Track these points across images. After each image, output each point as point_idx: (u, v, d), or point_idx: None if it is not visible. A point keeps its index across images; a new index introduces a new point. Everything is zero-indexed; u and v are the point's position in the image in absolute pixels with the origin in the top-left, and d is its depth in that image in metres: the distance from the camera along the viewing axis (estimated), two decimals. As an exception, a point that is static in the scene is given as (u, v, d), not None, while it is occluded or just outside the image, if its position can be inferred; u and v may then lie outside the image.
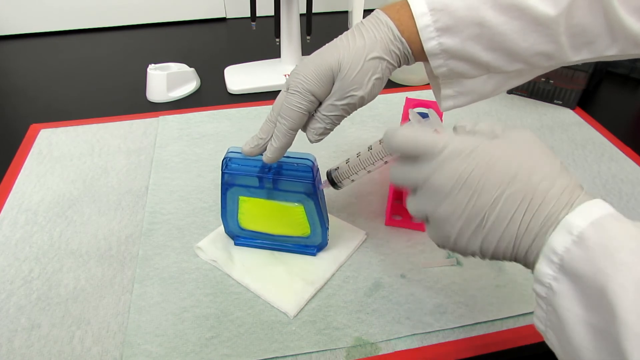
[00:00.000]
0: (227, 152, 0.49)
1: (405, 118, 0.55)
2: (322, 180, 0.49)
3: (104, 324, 0.48)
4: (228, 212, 0.53)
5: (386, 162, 0.44)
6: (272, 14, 0.83)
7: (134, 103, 0.84)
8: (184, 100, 0.85)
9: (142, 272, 0.53)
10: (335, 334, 0.47)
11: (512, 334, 0.48)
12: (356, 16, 0.89)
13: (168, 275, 0.52)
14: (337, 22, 1.17)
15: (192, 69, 0.88)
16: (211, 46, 1.05)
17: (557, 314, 0.29)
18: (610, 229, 0.28)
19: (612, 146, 0.73)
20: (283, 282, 0.51)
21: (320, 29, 0.92)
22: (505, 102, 0.84)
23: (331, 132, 0.45)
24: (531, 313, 0.48)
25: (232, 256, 0.54)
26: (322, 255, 0.54)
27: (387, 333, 0.47)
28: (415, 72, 0.86)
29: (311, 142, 0.46)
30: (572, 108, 0.82)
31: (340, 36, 0.43)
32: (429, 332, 0.47)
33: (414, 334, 0.47)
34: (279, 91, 0.45)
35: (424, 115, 0.42)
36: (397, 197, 0.57)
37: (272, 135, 0.44)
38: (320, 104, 0.43)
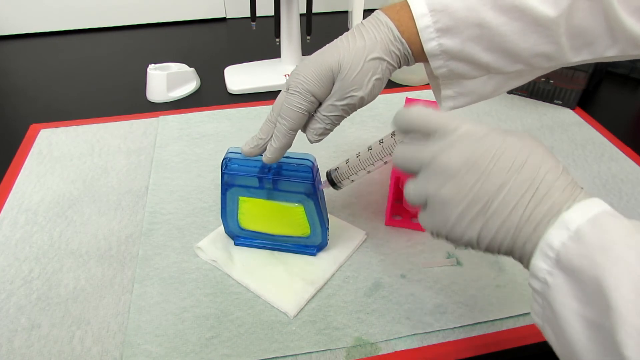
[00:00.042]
0: (227, 153, 0.49)
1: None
2: (322, 180, 0.49)
3: (104, 324, 0.48)
4: (228, 212, 0.53)
5: (386, 163, 0.45)
6: (272, 14, 0.83)
7: (134, 103, 0.84)
8: (184, 100, 0.85)
9: (142, 272, 0.53)
10: (335, 334, 0.47)
11: (512, 334, 0.48)
12: (356, 16, 0.89)
13: (168, 275, 0.52)
14: (337, 22, 1.17)
15: (192, 69, 0.88)
16: (211, 46, 1.05)
17: (552, 308, 0.29)
18: (607, 225, 0.28)
19: (612, 146, 0.73)
20: (283, 282, 0.51)
21: (320, 29, 0.92)
22: (505, 102, 0.84)
23: (331, 132, 0.45)
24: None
25: (232, 256, 0.54)
26: (322, 255, 0.54)
27: (387, 333, 0.47)
28: (415, 72, 0.86)
29: (311, 142, 0.46)
30: (572, 108, 0.82)
31: (340, 37, 0.43)
32: (429, 332, 0.47)
33: (414, 334, 0.47)
34: (279, 91, 0.45)
35: None
36: (397, 197, 0.57)
37: (271, 136, 0.44)
38: (320, 104, 0.43)
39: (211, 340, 0.46)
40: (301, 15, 0.85)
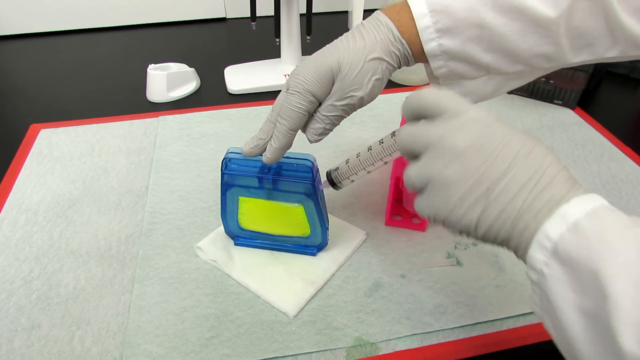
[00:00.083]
0: (227, 153, 0.49)
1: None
2: (322, 180, 0.49)
3: (104, 324, 0.48)
4: (228, 213, 0.53)
5: (386, 163, 0.44)
6: (272, 14, 0.83)
7: (134, 103, 0.84)
8: (184, 100, 0.85)
9: (142, 272, 0.53)
10: (335, 334, 0.47)
11: (512, 334, 0.48)
12: (356, 16, 0.89)
13: (168, 275, 0.52)
14: (337, 22, 1.17)
15: (192, 69, 0.88)
16: (211, 46, 1.05)
17: (548, 298, 0.29)
18: (605, 219, 0.29)
19: (612, 146, 0.73)
20: (283, 282, 0.51)
21: (320, 29, 0.92)
22: (505, 102, 0.84)
23: (331, 132, 0.45)
24: (531, 313, 0.49)
25: (232, 256, 0.54)
26: (322, 255, 0.54)
27: (387, 333, 0.47)
28: (415, 72, 0.86)
29: (311, 142, 0.46)
30: (572, 108, 0.82)
31: (340, 37, 0.43)
32: (429, 332, 0.47)
33: (414, 334, 0.47)
34: (279, 91, 0.45)
35: None
36: (397, 197, 0.57)
37: (271, 136, 0.44)
38: (320, 104, 0.43)
39: (211, 340, 0.46)
40: (301, 15, 0.85)
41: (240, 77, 0.89)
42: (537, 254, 0.30)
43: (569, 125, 0.78)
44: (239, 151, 0.47)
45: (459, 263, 0.54)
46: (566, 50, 0.42)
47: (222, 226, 0.55)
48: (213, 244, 0.55)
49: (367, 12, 0.50)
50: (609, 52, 0.42)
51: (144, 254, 0.55)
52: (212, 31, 1.13)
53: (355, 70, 0.41)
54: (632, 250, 0.26)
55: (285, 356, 0.45)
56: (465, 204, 0.32)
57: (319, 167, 0.49)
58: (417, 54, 0.43)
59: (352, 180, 0.47)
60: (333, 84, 0.42)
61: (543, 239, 0.29)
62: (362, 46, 0.41)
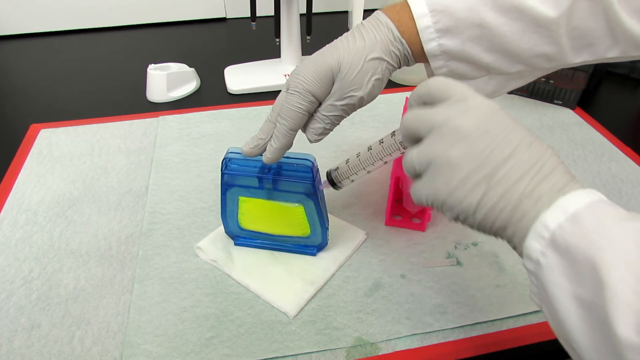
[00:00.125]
0: (227, 153, 0.49)
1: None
2: (322, 180, 0.49)
3: (104, 324, 0.48)
4: (228, 212, 0.53)
5: (386, 163, 0.45)
6: (272, 14, 0.83)
7: (134, 103, 0.84)
8: (184, 100, 0.85)
9: (142, 272, 0.53)
10: (335, 334, 0.47)
11: (512, 334, 0.48)
12: (356, 16, 0.89)
13: (168, 275, 0.52)
14: (337, 22, 1.17)
15: (192, 69, 0.88)
16: (211, 46, 1.05)
17: (545, 288, 0.29)
18: (604, 211, 0.29)
19: (612, 146, 0.73)
20: (283, 282, 0.51)
21: (320, 29, 0.92)
22: (505, 102, 0.84)
23: (331, 132, 0.45)
24: (531, 313, 0.49)
25: (232, 256, 0.54)
26: (322, 255, 0.54)
27: (387, 333, 0.47)
28: (415, 72, 0.86)
29: (311, 142, 0.46)
30: (572, 108, 0.82)
31: (340, 37, 0.43)
32: (429, 332, 0.47)
33: (414, 334, 0.47)
34: (279, 91, 0.45)
35: None
36: (397, 197, 0.57)
37: (271, 136, 0.44)
38: (320, 104, 0.43)
39: (211, 340, 0.46)
40: (301, 15, 0.85)
41: (240, 77, 0.89)
42: (534, 244, 0.30)
43: (569, 125, 0.78)
44: (239, 151, 0.47)
45: (459, 263, 0.54)
46: (567, 51, 0.42)
47: (222, 226, 0.55)
48: (213, 244, 0.55)
49: (367, 12, 0.50)
50: (610, 52, 0.42)
51: (144, 254, 0.55)
52: (212, 31, 1.13)
53: (355, 70, 0.41)
54: (630, 242, 0.27)
55: (285, 356, 0.45)
56: (467, 185, 0.31)
57: (319, 167, 0.49)
58: (417, 54, 0.43)
59: (352, 180, 0.47)
60: (333, 84, 0.42)
61: (541, 229, 0.29)
62: (362, 46, 0.41)
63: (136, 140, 0.74)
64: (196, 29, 1.13)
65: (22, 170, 0.67)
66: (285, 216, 0.51)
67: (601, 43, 0.41)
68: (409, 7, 0.41)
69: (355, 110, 0.44)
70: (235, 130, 0.76)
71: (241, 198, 0.51)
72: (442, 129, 0.32)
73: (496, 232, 0.32)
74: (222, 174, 0.49)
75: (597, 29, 0.40)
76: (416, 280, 0.52)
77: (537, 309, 0.33)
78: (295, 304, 0.49)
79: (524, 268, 0.32)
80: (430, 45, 0.41)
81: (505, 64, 0.42)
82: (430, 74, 0.45)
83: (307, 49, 0.72)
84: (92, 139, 0.74)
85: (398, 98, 0.83)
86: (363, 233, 0.57)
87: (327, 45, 0.43)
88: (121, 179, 0.66)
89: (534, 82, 0.82)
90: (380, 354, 0.46)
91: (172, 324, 0.48)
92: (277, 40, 0.88)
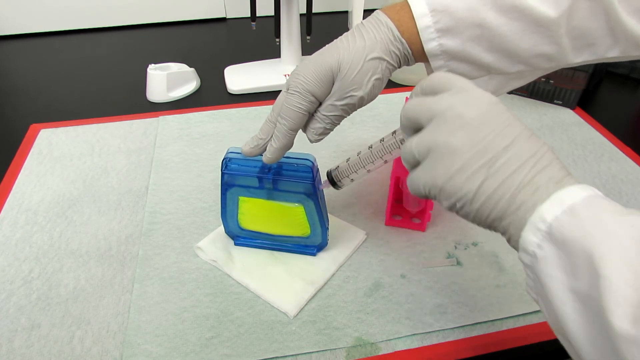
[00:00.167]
0: (227, 153, 0.49)
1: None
2: (322, 180, 0.49)
3: (104, 324, 0.48)
4: (228, 212, 0.53)
5: (386, 162, 0.45)
6: (272, 14, 0.83)
7: (134, 103, 0.84)
8: (184, 100, 0.85)
9: (142, 272, 0.53)
10: (335, 334, 0.47)
11: (512, 334, 0.48)
12: (356, 16, 0.89)
13: (168, 275, 0.52)
14: (337, 22, 1.17)
15: (192, 69, 0.88)
16: (211, 46, 1.05)
17: (541, 281, 0.30)
18: (601, 205, 0.29)
19: (612, 146, 0.73)
20: (283, 282, 0.51)
21: (320, 29, 0.92)
22: (505, 102, 0.82)
23: (331, 132, 0.45)
24: (531, 313, 0.49)
25: (232, 256, 0.54)
26: (322, 255, 0.54)
27: (387, 333, 0.47)
28: (415, 72, 0.86)
29: (311, 141, 0.46)
30: (572, 108, 0.82)
31: (340, 37, 0.43)
32: (429, 332, 0.47)
33: (414, 334, 0.47)
34: (279, 91, 0.45)
35: None
36: (397, 197, 0.57)
37: (272, 136, 0.44)
38: (320, 104, 0.43)
39: (211, 340, 0.46)
40: (301, 15, 0.85)
41: (240, 77, 0.89)
42: (530, 236, 0.30)
43: (569, 125, 0.78)
44: (239, 151, 0.47)
45: (459, 263, 0.54)
46: (567, 51, 0.42)
47: (222, 226, 0.55)
48: (213, 244, 0.55)
49: (367, 12, 0.50)
50: (610, 52, 0.42)
51: (144, 254, 0.55)
52: (212, 31, 1.13)
53: (355, 69, 0.41)
54: (627, 234, 0.27)
55: (285, 356, 0.45)
56: (467, 172, 0.31)
57: (319, 167, 0.49)
58: (417, 54, 0.43)
59: (352, 180, 0.47)
60: (333, 84, 0.42)
61: (538, 221, 0.30)
62: (362, 46, 0.41)
63: (136, 140, 0.74)
64: (196, 29, 1.13)
65: (22, 170, 0.67)
66: (285, 216, 0.51)
67: (601, 43, 0.41)
68: (409, 7, 0.41)
69: (356, 110, 0.44)
70: (235, 130, 0.76)
71: (241, 198, 0.51)
72: (443, 116, 0.32)
73: (492, 222, 0.32)
74: (222, 174, 0.49)
75: (597, 29, 0.40)
76: (416, 280, 0.52)
77: (537, 309, 0.33)
78: (295, 304, 0.49)
79: (520, 262, 0.32)
80: (430, 45, 0.41)
81: (506, 63, 0.42)
82: (431, 73, 0.45)
83: (307, 49, 0.72)
84: (92, 139, 0.74)
85: (398, 98, 0.83)
86: (363, 233, 0.57)
87: (327, 45, 0.43)
88: (121, 179, 0.66)
89: (534, 82, 0.82)
90: (380, 354, 0.46)
91: (172, 324, 0.48)
92: (277, 40, 0.88)
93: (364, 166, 0.45)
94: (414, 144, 0.34)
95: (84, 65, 0.97)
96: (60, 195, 0.63)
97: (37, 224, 0.59)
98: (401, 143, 0.42)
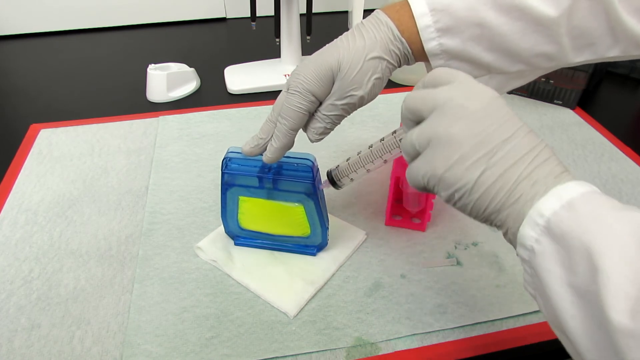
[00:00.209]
0: (227, 152, 0.49)
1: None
2: (322, 180, 0.49)
3: (104, 324, 0.48)
4: (228, 212, 0.53)
5: (386, 161, 0.44)
6: (272, 14, 0.83)
7: (134, 103, 0.84)
8: (184, 100, 0.85)
9: (142, 272, 0.53)
10: (335, 334, 0.47)
11: (512, 334, 0.48)
12: (356, 16, 0.89)
13: (168, 275, 0.52)
14: (337, 22, 1.17)
15: (192, 69, 0.88)
16: (211, 46, 1.05)
17: (539, 276, 0.30)
18: (599, 201, 0.29)
19: (612, 146, 0.73)
20: (283, 282, 0.51)
21: (320, 29, 0.92)
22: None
23: (331, 132, 0.45)
24: (531, 313, 0.49)
25: (232, 256, 0.54)
26: (322, 255, 0.54)
27: (387, 333, 0.47)
28: (415, 72, 0.86)
29: (311, 141, 0.46)
30: (572, 108, 0.82)
31: (340, 36, 0.43)
32: (429, 332, 0.47)
33: (414, 334, 0.47)
34: (279, 91, 0.45)
35: None
36: (397, 197, 0.57)
37: (272, 136, 0.44)
38: (320, 103, 0.43)
39: (211, 340, 0.46)
40: (301, 15, 0.85)
41: (240, 77, 0.89)
42: (528, 231, 0.30)
43: (569, 125, 0.78)
44: (239, 151, 0.47)
45: (459, 263, 0.54)
46: (567, 50, 0.42)
47: (222, 226, 0.55)
48: (213, 244, 0.55)
49: (367, 12, 0.50)
50: (611, 52, 0.42)
51: (144, 254, 0.55)
52: (212, 31, 1.13)
53: (355, 69, 0.41)
54: (625, 229, 0.27)
55: (285, 356, 0.45)
56: (467, 162, 0.31)
57: (319, 166, 0.49)
58: (417, 53, 0.43)
59: (352, 179, 0.47)
60: (333, 84, 0.42)
61: (536, 216, 0.30)
62: (361, 45, 0.41)
63: (136, 140, 0.74)
64: (196, 29, 1.13)
65: (22, 170, 0.67)
66: (286, 216, 0.51)
67: (602, 42, 0.41)
68: (409, 6, 0.41)
69: (356, 109, 0.44)
70: (235, 130, 0.76)
71: (241, 198, 0.51)
72: (445, 107, 0.32)
73: (490, 214, 0.32)
74: (222, 174, 0.49)
75: (597, 29, 0.40)
76: (416, 280, 0.52)
77: (537, 309, 0.33)
78: (295, 304, 0.49)
79: (518, 257, 0.32)
80: (430, 44, 0.41)
81: (506, 63, 0.42)
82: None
83: (307, 49, 0.72)
84: (92, 139, 0.74)
85: (398, 98, 0.83)
86: (363, 233, 0.57)
87: (327, 45, 0.43)
88: (121, 179, 0.66)
89: (534, 82, 0.82)
90: (380, 354, 0.46)
91: (172, 324, 0.48)
92: (277, 40, 0.88)
93: (363, 166, 0.45)
94: (415, 135, 0.34)
95: (84, 65, 0.97)
96: (60, 195, 0.63)
97: (37, 224, 0.59)
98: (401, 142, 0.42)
